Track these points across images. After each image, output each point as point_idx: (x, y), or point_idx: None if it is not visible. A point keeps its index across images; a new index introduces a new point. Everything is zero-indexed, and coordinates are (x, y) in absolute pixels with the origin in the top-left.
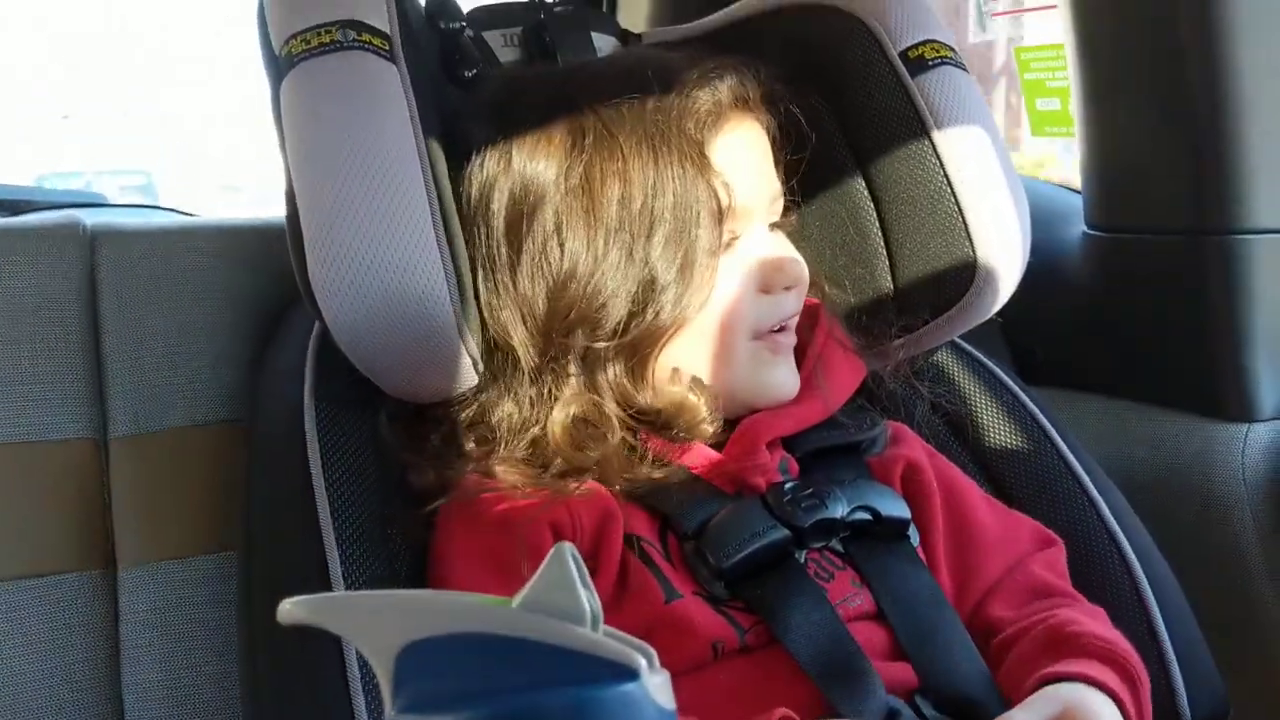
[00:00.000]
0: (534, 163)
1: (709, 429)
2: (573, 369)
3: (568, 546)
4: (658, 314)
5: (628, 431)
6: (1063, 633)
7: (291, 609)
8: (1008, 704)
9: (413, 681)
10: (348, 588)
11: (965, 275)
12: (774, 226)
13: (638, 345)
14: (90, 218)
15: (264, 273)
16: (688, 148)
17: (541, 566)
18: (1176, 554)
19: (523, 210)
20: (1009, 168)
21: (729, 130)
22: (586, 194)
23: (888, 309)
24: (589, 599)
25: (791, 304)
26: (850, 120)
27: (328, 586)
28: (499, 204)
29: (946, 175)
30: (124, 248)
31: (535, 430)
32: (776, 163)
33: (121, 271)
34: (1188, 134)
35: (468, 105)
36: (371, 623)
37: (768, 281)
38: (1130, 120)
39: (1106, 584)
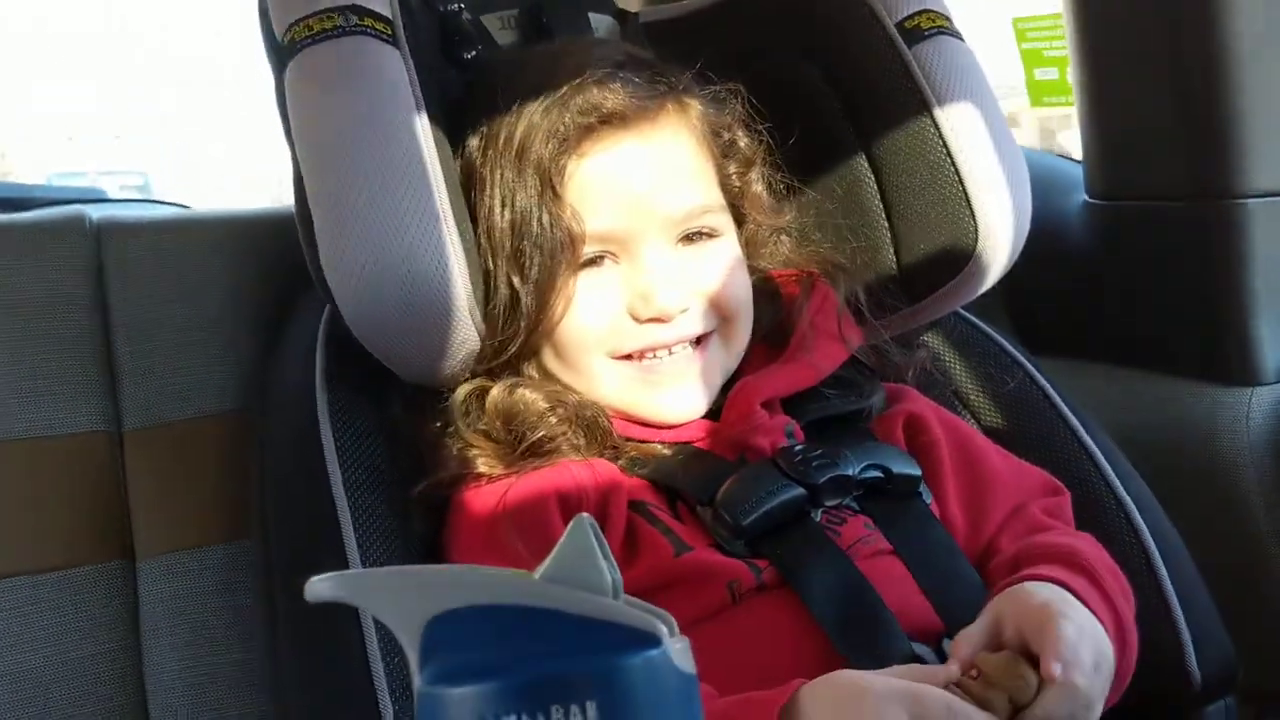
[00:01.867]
0: (470, 151)
1: (555, 425)
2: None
3: (586, 518)
4: (515, 322)
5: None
6: (1027, 547)
7: (318, 586)
8: None
9: (440, 653)
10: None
11: (967, 246)
12: (693, 239)
13: (508, 364)
14: (95, 212)
15: (270, 261)
16: (541, 169)
17: (562, 538)
18: (1183, 517)
19: (469, 196)
20: (1008, 137)
21: (591, 154)
22: (479, 191)
23: (890, 280)
24: (610, 569)
25: (661, 334)
26: (848, 93)
27: (345, 568)
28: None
29: (946, 145)
30: (130, 240)
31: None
32: (737, 179)
33: (128, 264)
34: (1186, 101)
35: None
36: (398, 597)
37: (633, 309)
38: (1129, 89)
39: (1113, 546)
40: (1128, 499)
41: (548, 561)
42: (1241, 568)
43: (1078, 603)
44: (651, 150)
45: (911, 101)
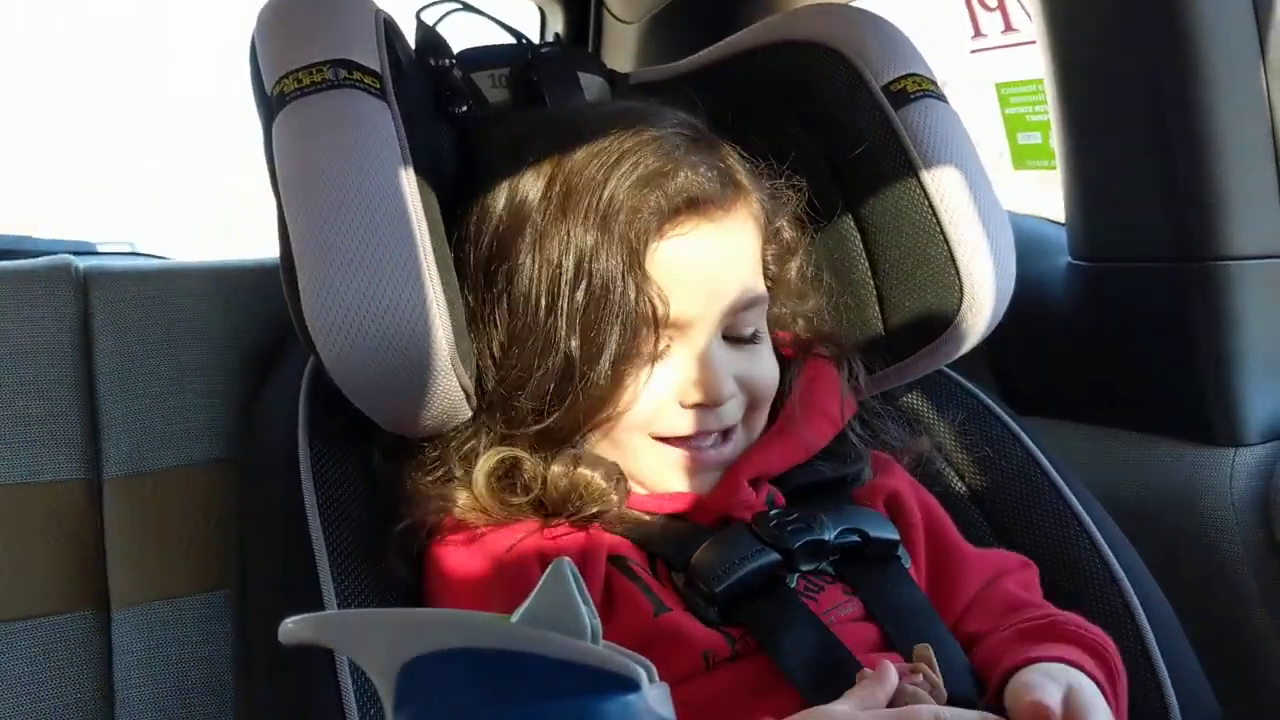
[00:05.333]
0: (507, 212)
1: (614, 499)
2: (502, 428)
3: (566, 562)
4: (577, 398)
5: (539, 498)
6: (1042, 623)
7: (294, 628)
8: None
9: (415, 698)
10: None
11: (951, 305)
12: (740, 341)
13: (551, 435)
14: (82, 262)
15: (256, 312)
16: (628, 243)
17: (540, 582)
18: (1167, 579)
19: (493, 254)
20: (993, 199)
21: (670, 235)
22: (538, 250)
23: (875, 338)
24: (588, 614)
25: (706, 421)
26: (835, 154)
27: None
28: (482, 239)
29: (932, 207)
30: (116, 289)
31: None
32: (776, 268)
33: (114, 313)
34: (1166, 165)
35: (467, 147)
36: (373, 640)
37: (682, 394)
38: (1110, 153)
39: (1099, 608)
40: (1114, 560)
41: (526, 605)
42: (1227, 630)
43: (1085, 682)
44: (723, 238)
45: (898, 164)
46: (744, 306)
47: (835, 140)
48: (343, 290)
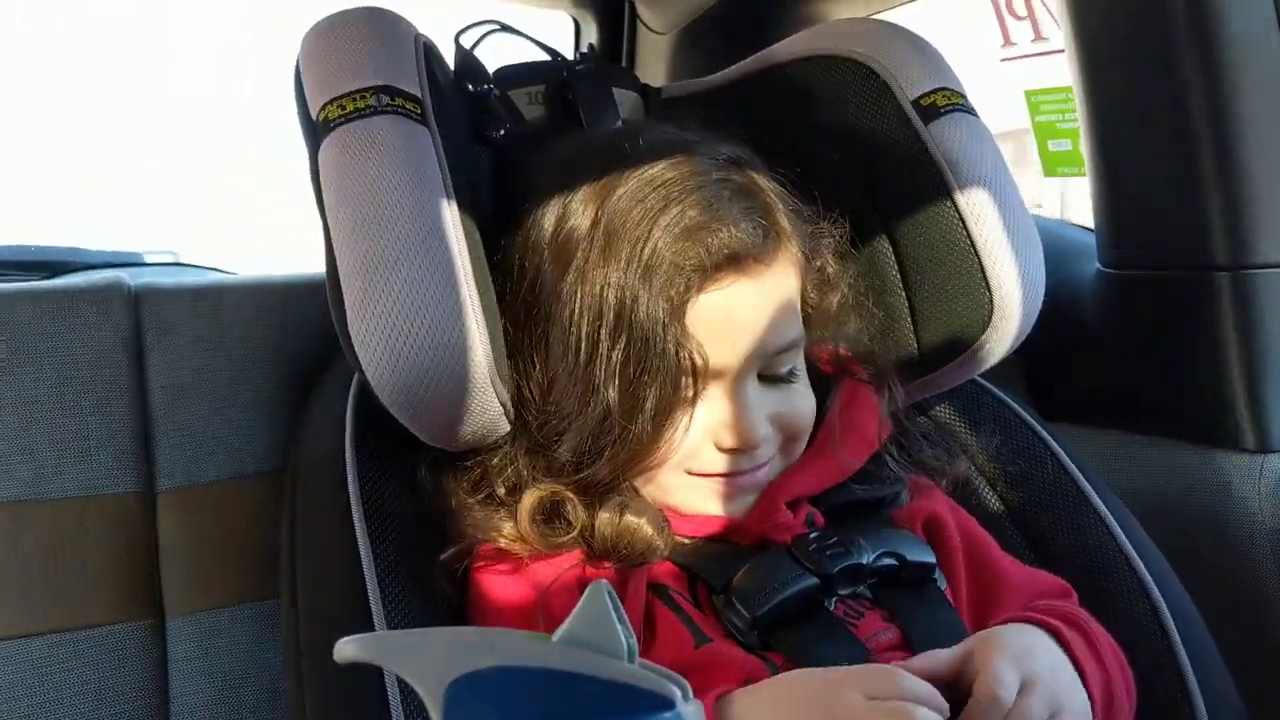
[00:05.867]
0: (549, 250)
1: (661, 547)
2: (541, 475)
3: (604, 584)
4: (613, 455)
5: (581, 539)
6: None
7: (345, 648)
8: None
9: (462, 714)
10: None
11: (983, 316)
12: (776, 380)
13: (591, 484)
14: (133, 278)
15: (303, 326)
16: (669, 298)
17: (579, 603)
18: (1196, 585)
19: (535, 291)
20: (1023, 210)
21: (708, 289)
22: (579, 295)
23: (907, 350)
24: (625, 634)
25: (741, 462)
26: (865, 167)
27: (370, 629)
28: (526, 271)
29: (962, 219)
30: (167, 305)
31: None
32: (816, 299)
33: (166, 329)
34: (1195, 172)
35: (505, 169)
36: (422, 658)
37: (716, 438)
38: (1139, 160)
39: (1128, 615)
40: (1142, 567)
41: (565, 625)
42: (1254, 634)
43: (1053, 646)
44: (762, 291)
45: (929, 177)
46: (780, 351)
47: (866, 155)
48: (385, 308)
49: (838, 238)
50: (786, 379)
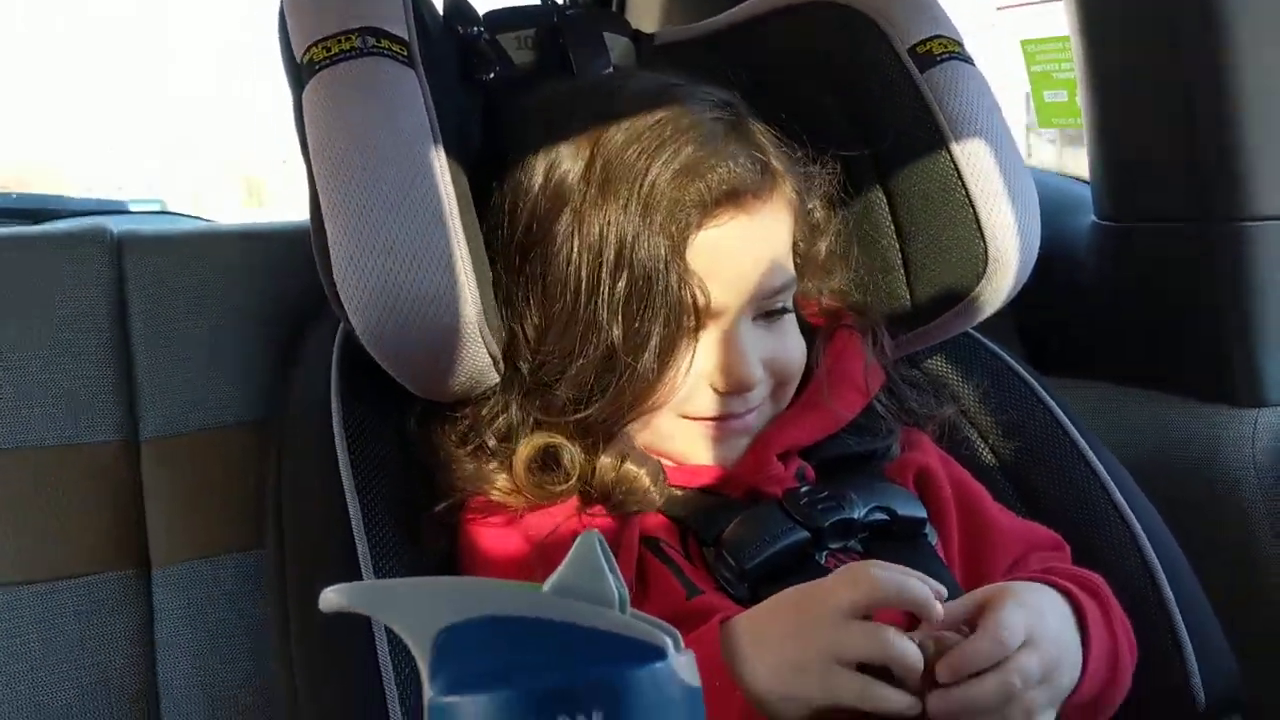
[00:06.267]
0: (543, 192)
1: (656, 498)
2: (539, 415)
3: (595, 534)
4: (617, 394)
5: (579, 486)
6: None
7: (333, 596)
8: None
9: (450, 663)
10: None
11: (977, 270)
12: (769, 315)
13: (592, 425)
14: (116, 225)
15: (289, 276)
16: (671, 235)
17: (570, 553)
18: (1187, 537)
19: (528, 234)
20: (1018, 161)
21: (708, 226)
22: (577, 235)
23: (900, 303)
24: (616, 584)
25: (735, 404)
26: (860, 116)
27: (358, 579)
28: (518, 217)
29: (958, 169)
30: (151, 254)
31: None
32: (805, 247)
33: (149, 277)
34: (1192, 124)
35: (494, 114)
36: (410, 608)
37: (712, 380)
38: (1136, 111)
39: (1119, 568)
40: (1134, 519)
41: (556, 575)
42: (1246, 588)
43: (1066, 611)
44: (758, 228)
45: (924, 126)
46: (774, 292)
47: (861, 103)
48: (371, 255)
49: (828, 184)
50: (779, 322)
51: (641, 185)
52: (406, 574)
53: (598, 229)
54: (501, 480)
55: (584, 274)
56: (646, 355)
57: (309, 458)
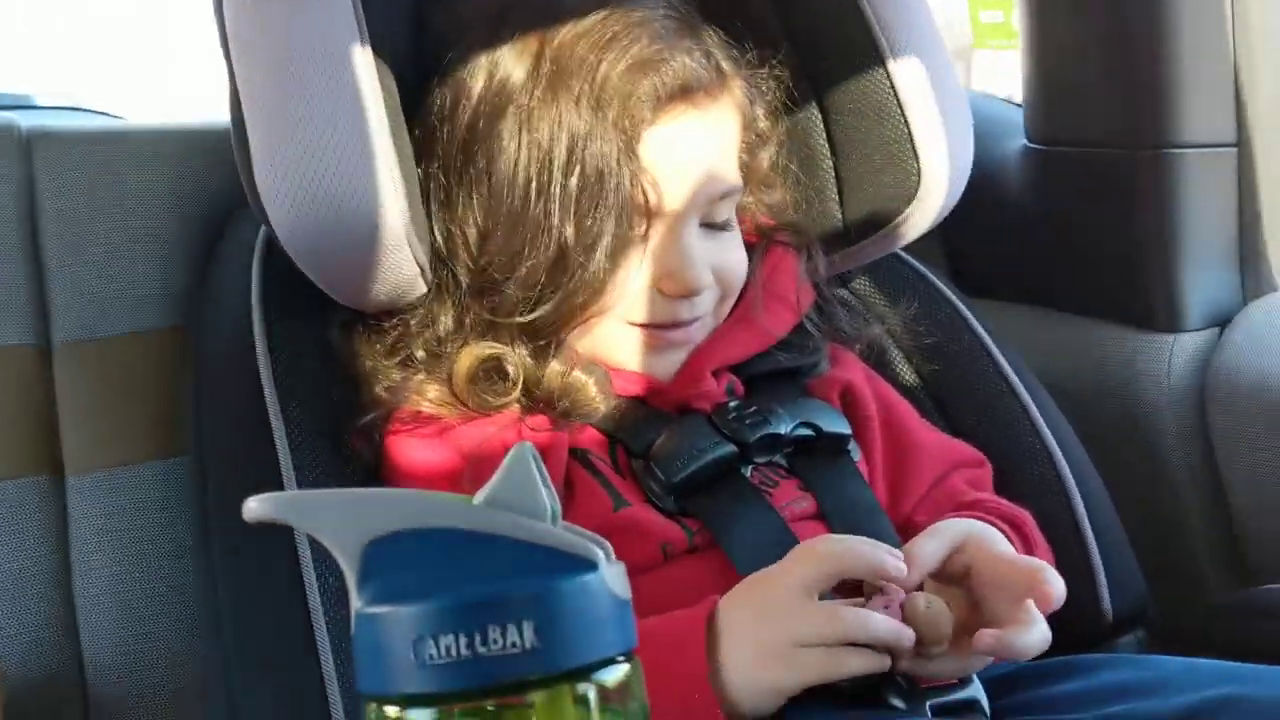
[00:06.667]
0: (488, 90)
1: (600, 407)
2: (488, 315)
3: (528, 446)
4: (568, 295)
5: (523, 394)
6: (958, 502)
7: (257, 506)
8: None
9: (378, 575)
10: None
11: (909, 188)
12: (714, 227)
13: (541, 327)
14: (25, 120)
15: (208, 176)
16: (623, 130)
17: (502, 466)
18: (1103, 458)
19: (473, 134)
20: (953, 81)
21: (660, 123)
22: (526, 130)
23: (832, 221)
24: (548, 496)
25: (681, 310)
26: (799, 32)
27: (280, 489)
28: (459, 118)
29: (894, 88)
30: (62, 151)
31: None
32: (748, 156)
33: (60, 175)
34: (1124, 50)
35: (428, 15)
36: (338, 519)
37: (659, 284)
38: (1070, 35)
39: (1035, 486)
40: (1052, 441)
41: (488, 487)
42: (1156, 508)
43: (1004, 547)
44: (711, 127)
45: (862, 44)
46: (723, 195)
47: (800, 18)
48: (293, 155)
49: (773, 93)
50: (724, 228)
51: (593, 80)
52: (330, 482)
53: (547, 127)
54: (433, 392)
55: (533, 173)
56: (598, 254)
57: (230, 366)
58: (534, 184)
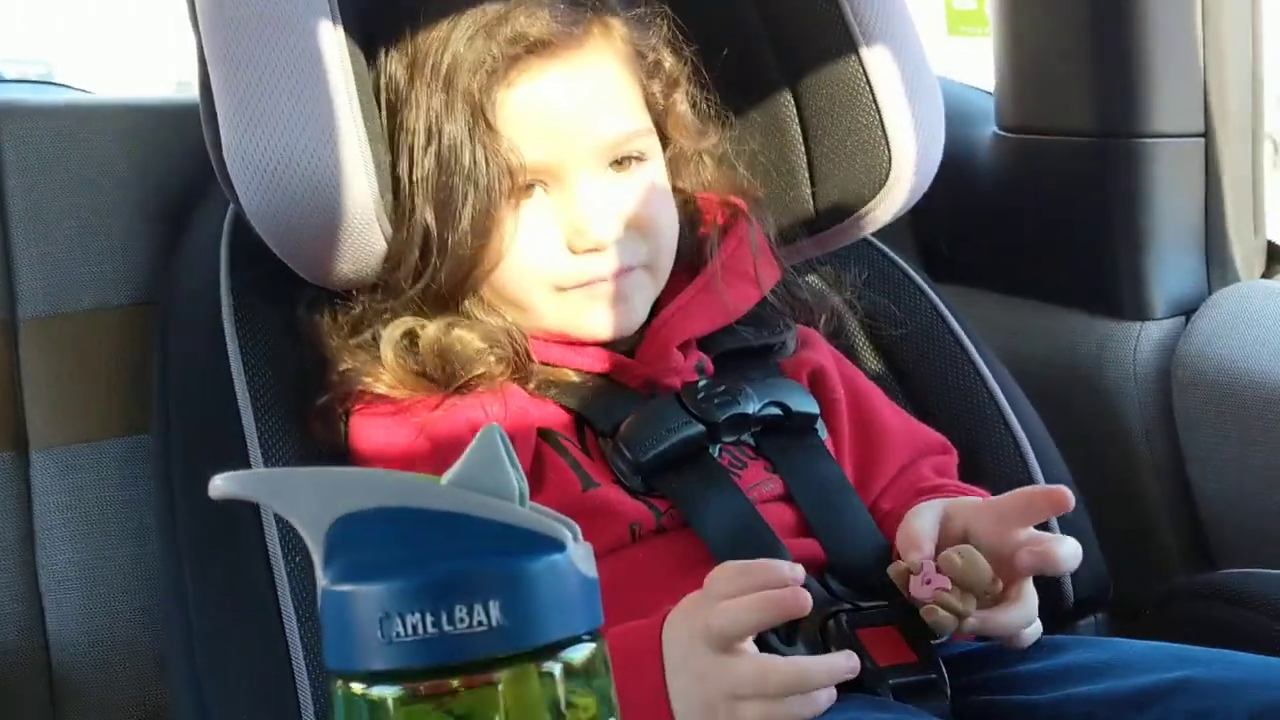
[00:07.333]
0: (386, 79)
1: (496, 368)
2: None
3: (495, 427)
4: (440, 265)
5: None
6: (919, 489)
7: (223, 484)
8: None
9: (345, 553)
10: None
11: (880, 173)
12: (623, 164)
13: (433, 296)
14: None
15: (176, 152)
16: (471, 101)
17: (470, 446)
18: (1070, 444)
19: (387, 120)
20: (926, 67)
21: (518, 84)
22: (401, 118)
23: (804, 205)
24: (516, 477)
25: (600, 265)
26: (773, 18)
27: (246, 467)
28: (383, 110)
29: (866, 73)
30: (29, 125)
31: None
32: (661, 97)
33: (27, 150)
34: (1096, 40)
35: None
36: (304, 497)
37: (569, 241)
38: (1042, 24)
39: (1001, 472)
40: (1018, 426)
41: (455, 467)
42: (1118, 492)
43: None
44: (579, 78)
45: (834, 26)
46: (616, 142)
47: (775, 7)
48: (263, 132)
49: (665, 28)
50: (634, 173)
51: (443, 56)
52: (296, 459)
53: (412, 109)
54: (386, 374)
55: (401, 155)
56: (460, 229)
57: (197, 344)
58: (403, 168)
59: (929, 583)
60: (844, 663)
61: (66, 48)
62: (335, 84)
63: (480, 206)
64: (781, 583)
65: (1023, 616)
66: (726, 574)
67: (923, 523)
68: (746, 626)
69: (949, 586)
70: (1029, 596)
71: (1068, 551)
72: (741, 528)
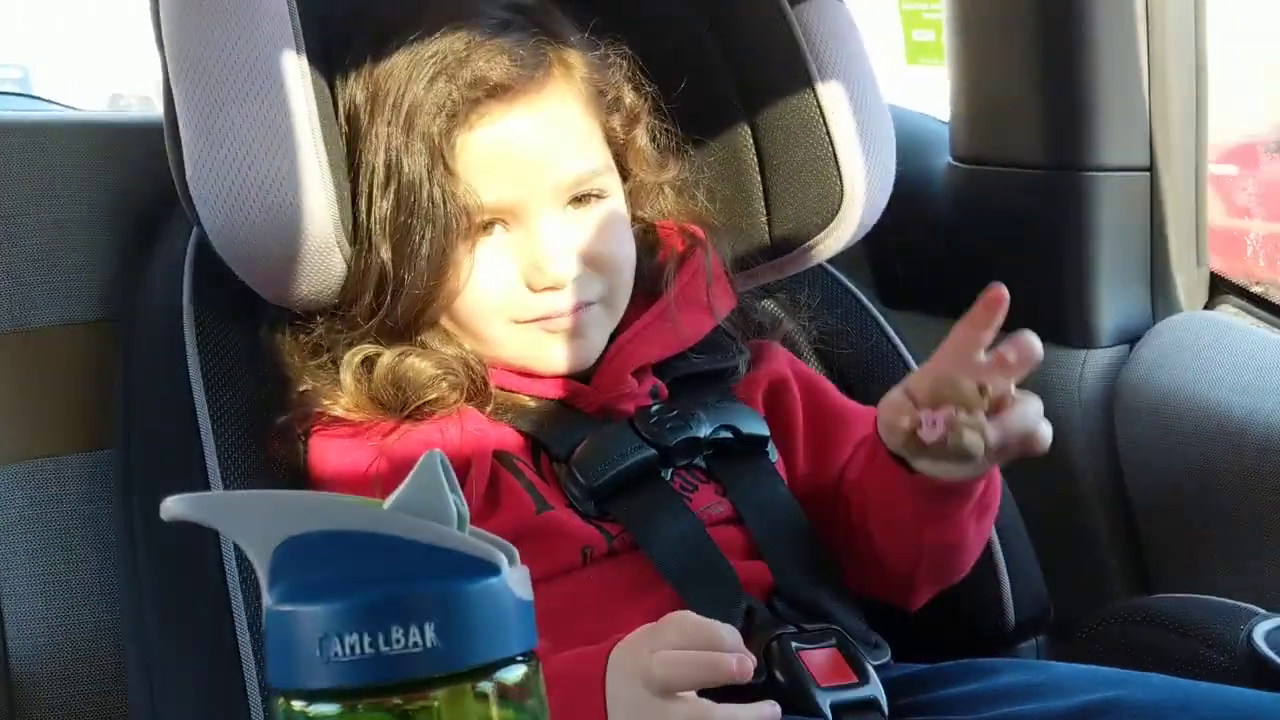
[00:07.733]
0: (345, 115)
1: (447, 388)
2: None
3: (437, 453)
4: (396, 301)
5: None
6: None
7: (173, 506)
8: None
9: (288, 574)
10: (226, 488)
11: (833, 203)
12: (583, 201)
13: (389, 329)
14: None
15: (143, 171)
16: (430, 142)
17: (412, 472)
18: (1013, 468)
19: (351, 151)
20: (878, 98)
21: (479, 126)
22: (360, 156)
23: (759, 233)
24: (456, 502)
25: (558, 302)
26: (730, 49)
27: (206, 486)
28: (342, 141)
29: (819, 104)
30: None
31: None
32: (622, 132)
33: None
34: (1045, 75)
35: (345, 24)
36: (251, 519)
37: (528, 278)
38: (996, 58)
39: None
40: None
41: (397, 492)
42: (1064, 517)
43: None
44: (539, 120)
45: (791, 60)
46: (578, 181)
47: (730, 35)
48: (225, 155)
49: (626, 66)
50: (593, 210)
51: (402, 96)
52: (255, 480)
53: (370, 147)
54: (345, 398)
55: (361, 191)
56: (417, 268)
57: (159, 362)
58: (362, 205)
59: (935, 424)
60: (769, 712)
61: (44, 53)
62: (297, 110)
63: (438, 246)
64: (729, 649)
65: (1034, 410)
66: (682, 626)
67: (893, 394)
68: (685, 682)
69: (953, 412)
70: (1027, 395)
71: (1033, 339)
72: (690, 550)
